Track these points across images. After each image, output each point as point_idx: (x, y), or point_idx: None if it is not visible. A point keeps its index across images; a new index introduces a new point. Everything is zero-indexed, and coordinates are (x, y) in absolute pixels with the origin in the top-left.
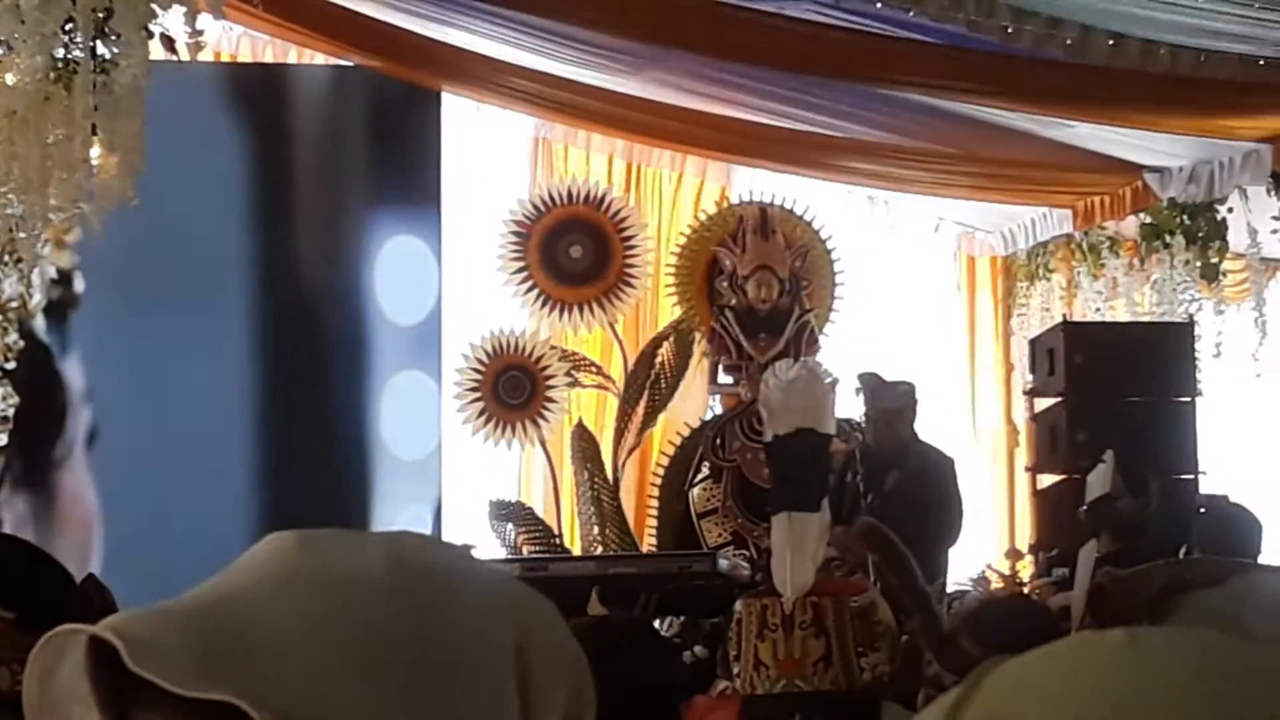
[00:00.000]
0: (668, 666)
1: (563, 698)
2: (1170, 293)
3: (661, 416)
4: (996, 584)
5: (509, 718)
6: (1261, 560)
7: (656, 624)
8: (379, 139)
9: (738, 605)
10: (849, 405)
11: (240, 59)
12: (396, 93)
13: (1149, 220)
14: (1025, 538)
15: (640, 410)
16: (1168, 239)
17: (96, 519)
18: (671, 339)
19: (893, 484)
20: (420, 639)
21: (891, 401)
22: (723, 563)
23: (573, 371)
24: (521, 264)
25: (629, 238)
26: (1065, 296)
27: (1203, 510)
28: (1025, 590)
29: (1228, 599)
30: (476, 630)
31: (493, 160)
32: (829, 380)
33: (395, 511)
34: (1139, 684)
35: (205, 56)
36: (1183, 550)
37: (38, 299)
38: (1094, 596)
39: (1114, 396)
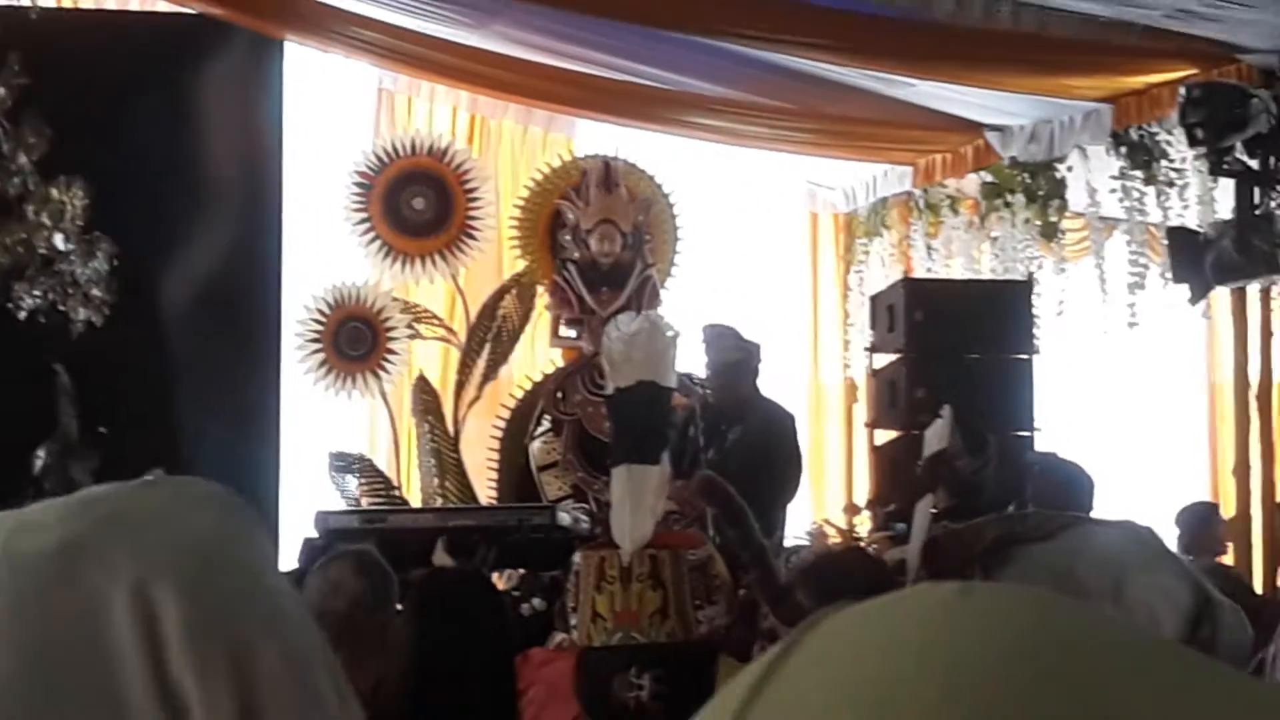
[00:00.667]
0: (504, 618)
1: (225, 662)
2: (1010, 251)
3: (503, 369)
4: (833, 538)
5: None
6: (1091, 513)
7: (495, 576)
8: (220, 88)
9: (576, 557)
10: (692, 359)
11: (82, 6)
12: (239, 41)
13: (990, 179)
14: (863, 493)
15: (482, 363)
16: (1008, 197)
17: None
18: (514, 292)
19: (733, 439)
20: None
21: (732, 355)
22: (562, 516)
23: (414, 324)
24: (364, 215)
25: (472, 190)
26: (903, 254)
27: (1035, 466)
28: (862, 544)
29: (1059, 552)
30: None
31: (336, 111)
32: (670, 334)
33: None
34: (968, 637)
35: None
36: (1014, 506)
37: None
38: (928, 550)
39: (953, 353)
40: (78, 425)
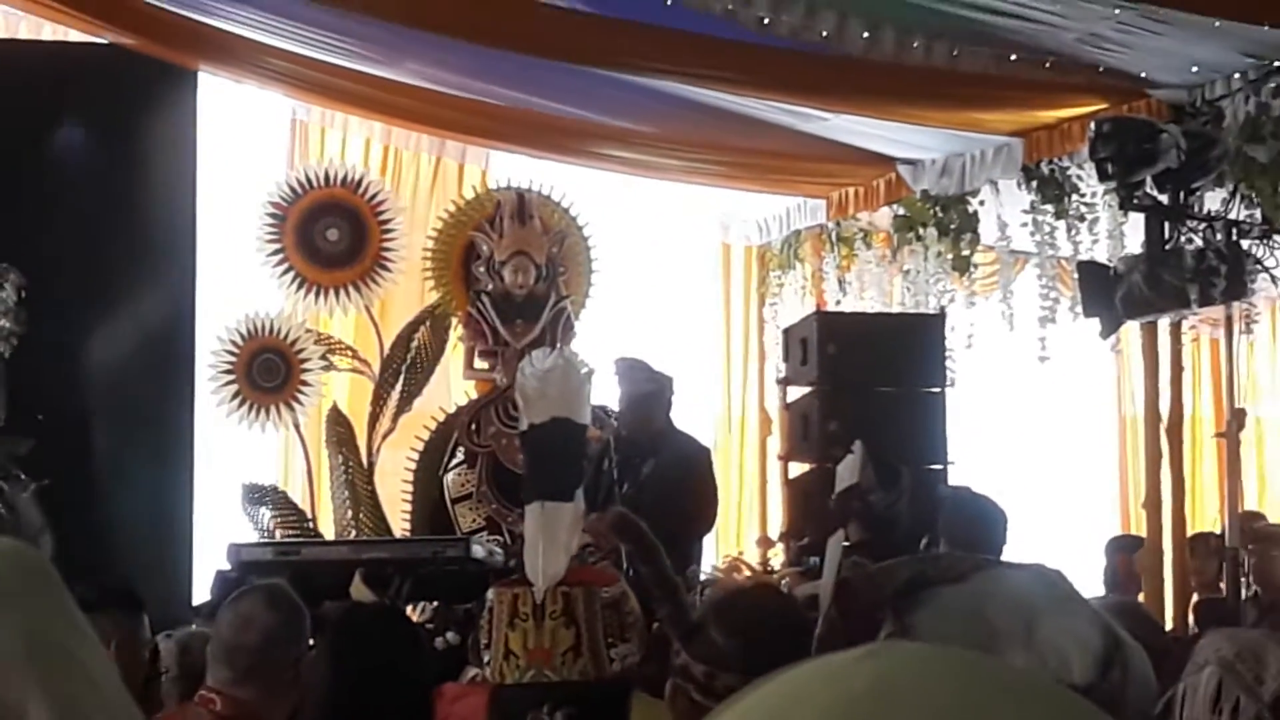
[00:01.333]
0: (420, 654)
1: None
2: (922, 284)
3: (417, 401)
4: (745, 572)
5: None
6: (1004, 550)
7: (409, 609)
8: (134, 118)
9: (490, 594)
10: (606, 392)
11: None
12: (153, 72)
13: (902, 212)
14: (777, 525)
15: (396, 395)
16: (920, 231)
17: None
18: (428, 324)
19: (647, 472)
20: None
21: (645, 388)
22: (476, 548)
23: (328, 355)
24: (278, 246)
25: (386, 221)
26: (815, 287)
27: (947, 501)
28: (774, 579)
29: (970, 595)
30: None
31: (250, 142)
32: (585, 370)
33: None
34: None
35: None
36: (926, 540)
37: None
38: (839, 591)
39: (866, 386)
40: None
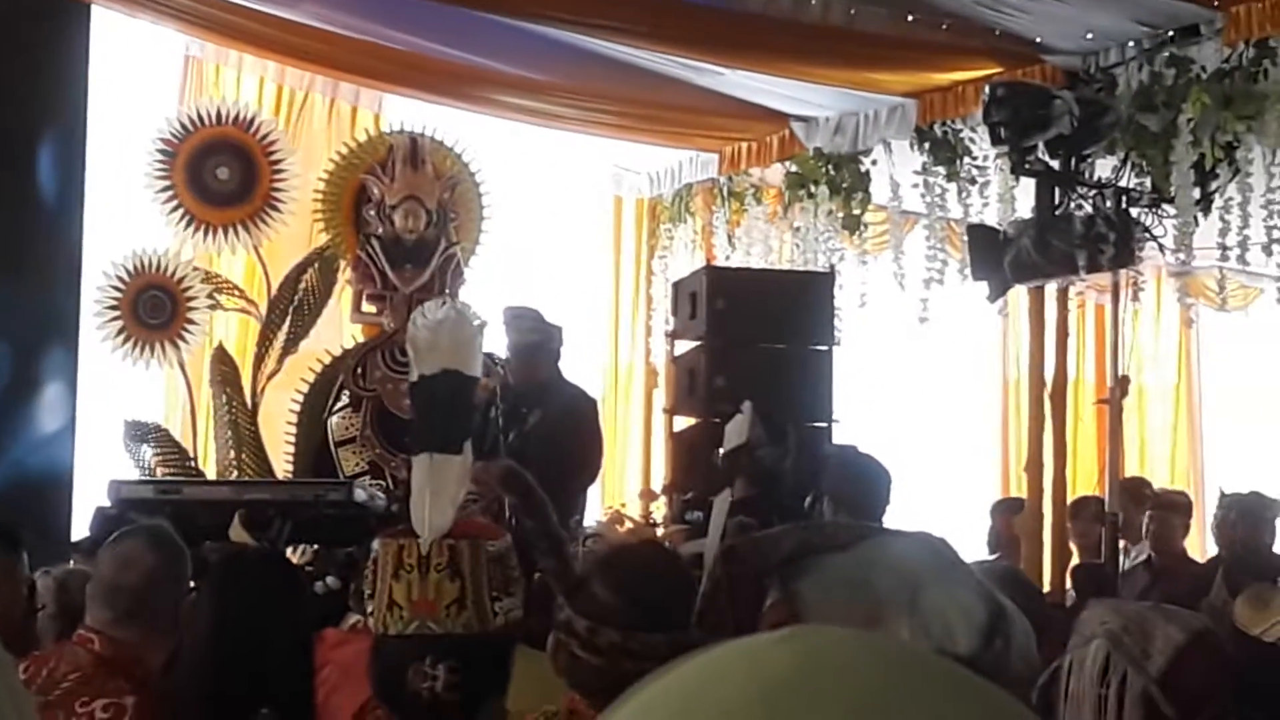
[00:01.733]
0: (299, 597)
1: None
2: (812, 242)
3: (304, 343)
4: (628, 525)
5: None
6: (888, 510)
7: (289, 552)
8: (24, 50)
9: (375, 544)
10: (495, 340)
11: None
12: (44, 4)
13: (794, 169)
14: (661, 478)
15: (282, 336)
16: (812, 188)
17: None
18: (316, 265)
19: (534, 422)
20: None
21: (531, 337)
22: (359, 492)
23: (215, 294)
24: (167, 183)
25: (277, 161)
26: (705, 241)
27: (832, 459)
28: (658, 535)
29: (856, 563)
30: None
31: (142, 77)
32: (477, 322)
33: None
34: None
35: None
36: (811, 498)
37: None
38: (727, 556)
39: (753, 342)
40: None
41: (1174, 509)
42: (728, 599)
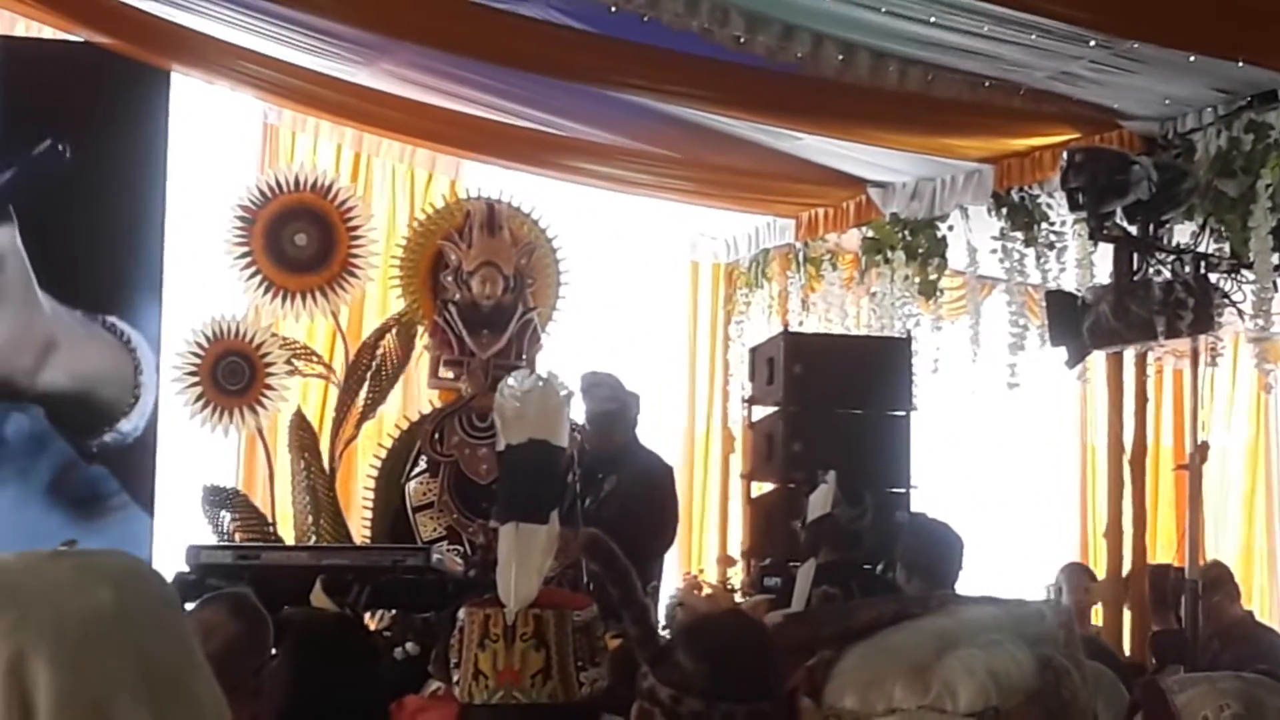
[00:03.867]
0: (380, 664)
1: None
2: (889, 307)
3: (381, 409)
4: (707, 591)
5: None
6: (960, 577)
7: (367, 617)
8: (106, 117)
9: (461, 613)
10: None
11: None
12: (126, 71)
13: (871, 234)
14: (737, 544)
15: (360, 401)
16: (889, 254)
17: None
18: (394, 331)
19: (609, 488)
20: None
21: (608, 405)
22: (437, 558)
23: (293, 360)
24: (246, 249)
25: (355, 227)
26: (782, 306)
27: (905, 525)
28: (738, 600)
29: (909, 628)
30: None
31: (221, 144)
32: (564, 392)
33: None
34: None
35: None
36: (883, 565)
37: None
38: (786, 623)
39: (831, 407)
40: None
41: (1217, 585)
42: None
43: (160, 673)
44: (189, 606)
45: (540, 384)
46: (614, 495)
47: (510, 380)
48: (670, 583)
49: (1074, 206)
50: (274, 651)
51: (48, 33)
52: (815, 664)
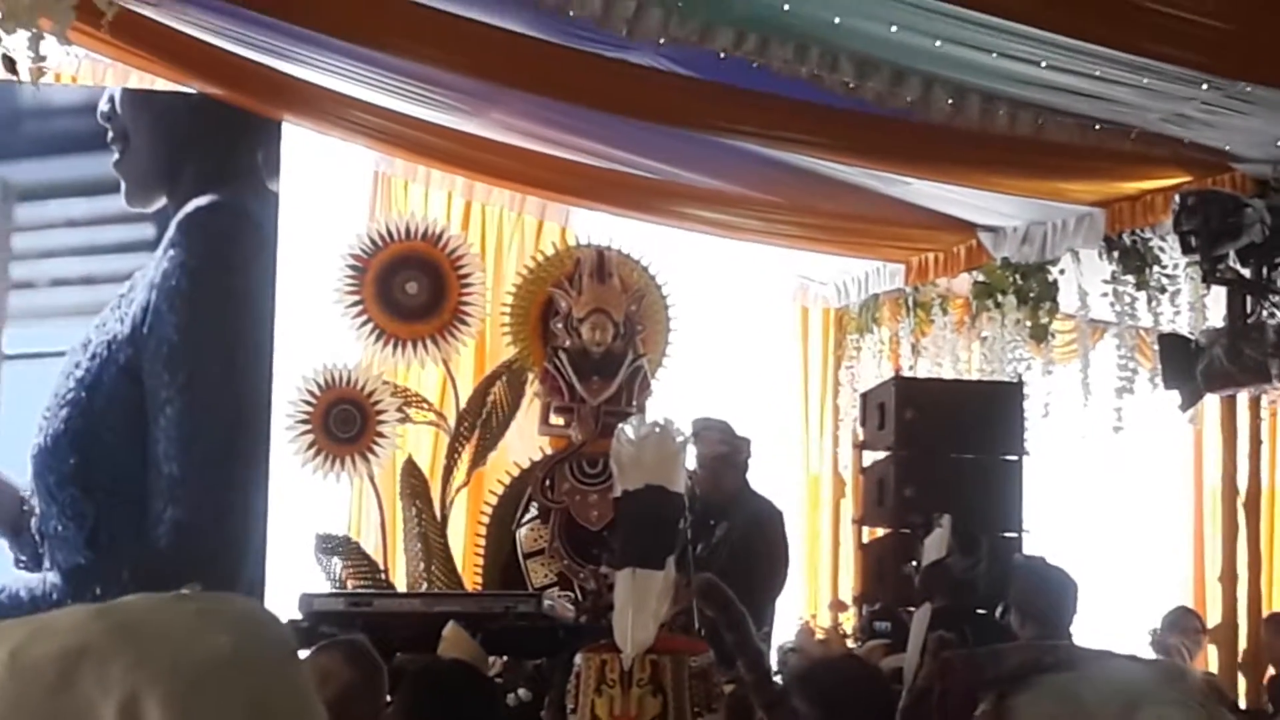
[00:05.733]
0: (496, 712)
1: None
2: (999, 351)
3: (491, 455)
4: (819, 636)
5: None
6: (1075, 620)
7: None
8: (219, 166)
9: (578, 658)
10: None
11: (81, 81)
12: (238, 121)
13: (981, 278)
14: (848, 589)
15: (471, 448)
16: (999, 298)
17: None
18: (504, 378)
19: (720, 534)
20: None
21: (719, 449)
22: (548, 604)
23: (404, 407)
24: (357, 298)
25: (465, 275)
26: (892, 351)
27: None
28: (854, 650)
29: (1074, 679)
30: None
31: (333, 193)
32: (680, 439)
33: (223, 540)
34: None
35: (45, 79)
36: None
37: None
38: (942, 670)
39: (943, 453)
40: None
41: None
42: (938, 713)
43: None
44: (303, 654)
45: (657, 430)
46: (726, 541)
47: (627, 427)
48: (782, 628)
49: (1186, 250)
50: (389, 699)
51: (160, 84)
52: (989, 710)
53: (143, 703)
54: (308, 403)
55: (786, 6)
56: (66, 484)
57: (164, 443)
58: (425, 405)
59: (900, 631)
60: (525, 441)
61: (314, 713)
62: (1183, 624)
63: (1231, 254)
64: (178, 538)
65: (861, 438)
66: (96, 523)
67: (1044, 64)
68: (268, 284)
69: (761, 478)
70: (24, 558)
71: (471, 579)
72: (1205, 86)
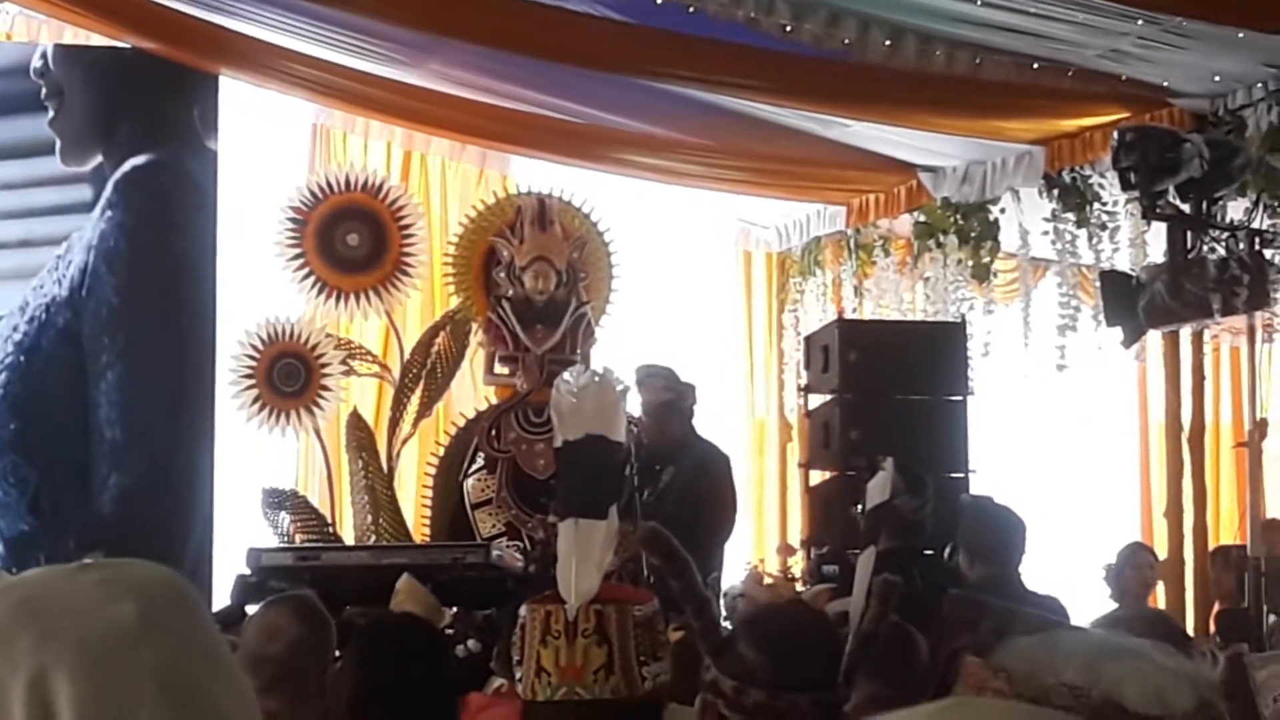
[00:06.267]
0: (446, 664)
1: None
2: (942, 292)
3: (437, 406)
4: (767, 581)
5: None
6: (1023, 559)
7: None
8: (155, 123)
9: (523, 610)
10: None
11: (15, 38)
12: (174, 76)
13: (922, 219)
14: (797, 533)
15: (416, 399)
16: (940, 238)
17: None
18: (448, 329)
19: (667, 480)
20: None
21: (663, 396)
22: (496, 554)
23: (348, 360)
24: (298, 251)
25: (406, 226)
26: (835, 294)
27: (968, 509)
28: (799, 589)
29: (1050, 638)
30: None
31: (271, 146)
32: (620, 387)
33: (169, 495)
34: None
35: None
36: (947, 549)
37: None
38: (947, 616)
39: (887, 394)
40: None
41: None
42: (895, 655)
43: (184, 685)
44: (251, 609)
45: (596, 379)
46: (672, 487)
47: (566, 376)
48: (730, 574)
49: (1126, 186)
50: (338, 653)
51: (95, 39)
52: (983, 633)
53: (51, 679)
54: (251, 357)
55: None
56: (6, 450)
57: (105, 407)
58: (369, 357)
59: (848, 575)
60: (470, 392)
61: (228, 674)
62: (1136, 559)
63: (1171, 189)
64: (122, 503)
65: (806, 381)
66: (38, 489)
67: (980, 1)
68: (208, 243)
69: (707, 423)
70: None
71: (419, 530)
72: (1141, 22)
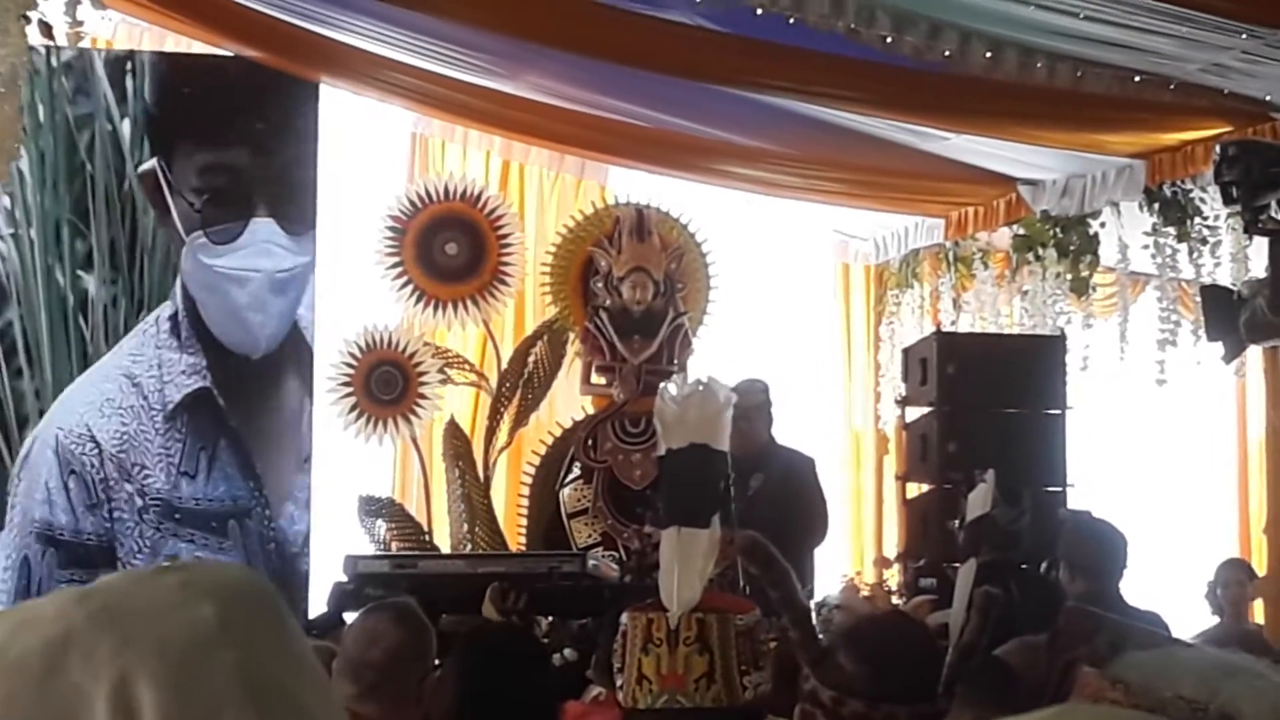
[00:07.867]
0: (545, 673)
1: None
2: (1040, 305)
3: (534, 416)
4: (864, 592)
5: None
6: (1125, 574)
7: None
8: (257, 129)
9: (624, 617)
10: None
11: (116, 46)
12: (275, 84)
13: (1021, 232)
14: (893, 546)
15: (513, 409)
16: (1039, 251)
17: None
18: (545, 338)
19: (756, 487)
20: None
21: (748, 400)
22: (592, 563)
23: (446, 368)
24: (397, 259)
25: (505, 235)
26: (932, 306)
27: (1067, 524)
28: (896, 603)
29: (1165, 653)
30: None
31: (370, 155)
32: (724, 397)
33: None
34: None
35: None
36: (1046, 564)
37: None
38: (1055, 636)
39: (985, 407)
40: None
41: None
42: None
43: (268, 686)
44: (348, 616)
45: (700, 389)
46: (763, 493)
47: (670, 386)
48: (826, 586)
49: (1228, 200)
50: (437, 661)
51: (197, 48)
52: (1098, 645)
53: (133, 685)
54: (349, 365)
55: None
56: None
57: None
58: (466, 366)
59: (945, 588)
60: (567, 401)
61: (312, 675)
62: (1229, 576)
63: (1273, 204)
64: None
65: (903, 394)
66: None
67: (1082, 15)
68: (307, 247)
69: (806, 435)
70: None
71: (515, 540)
72: (1245, 36)
